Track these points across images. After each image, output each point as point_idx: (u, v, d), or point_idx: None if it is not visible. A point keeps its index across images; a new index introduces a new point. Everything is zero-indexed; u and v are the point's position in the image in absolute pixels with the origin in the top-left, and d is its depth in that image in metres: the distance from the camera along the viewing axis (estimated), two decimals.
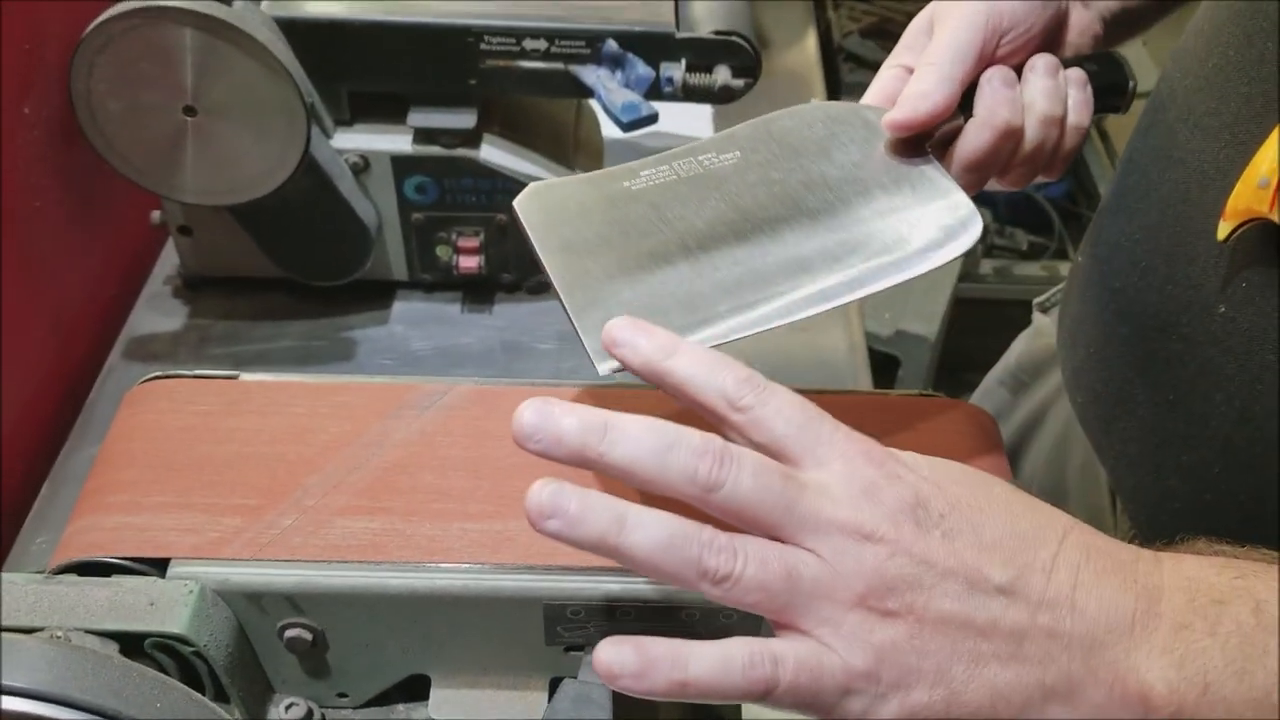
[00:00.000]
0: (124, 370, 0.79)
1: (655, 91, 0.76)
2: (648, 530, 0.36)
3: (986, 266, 1.75)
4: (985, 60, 0.55)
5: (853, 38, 1.93)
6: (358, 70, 0.76)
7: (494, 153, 0.79)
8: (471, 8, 0.75)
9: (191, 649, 0.47)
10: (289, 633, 0.50)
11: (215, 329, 0.83)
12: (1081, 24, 0.60)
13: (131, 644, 0.47)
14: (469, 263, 0.82)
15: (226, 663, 0.49)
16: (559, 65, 0.75)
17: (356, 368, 0.80)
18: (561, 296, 0.47)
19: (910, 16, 0.59)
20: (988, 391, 0.83)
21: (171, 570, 0.49)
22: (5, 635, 0.42)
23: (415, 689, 0.54)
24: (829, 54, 1.85)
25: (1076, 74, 0.56)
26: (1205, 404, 0.51)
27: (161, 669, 0.48)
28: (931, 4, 0.57)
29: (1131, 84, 0.59)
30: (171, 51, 0.66)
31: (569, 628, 0.51)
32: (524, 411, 0.38)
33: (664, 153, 0.53)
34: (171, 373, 0.58)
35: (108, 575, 0.49)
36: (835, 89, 1.73)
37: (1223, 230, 0.45)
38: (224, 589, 0.49)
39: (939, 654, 0.37)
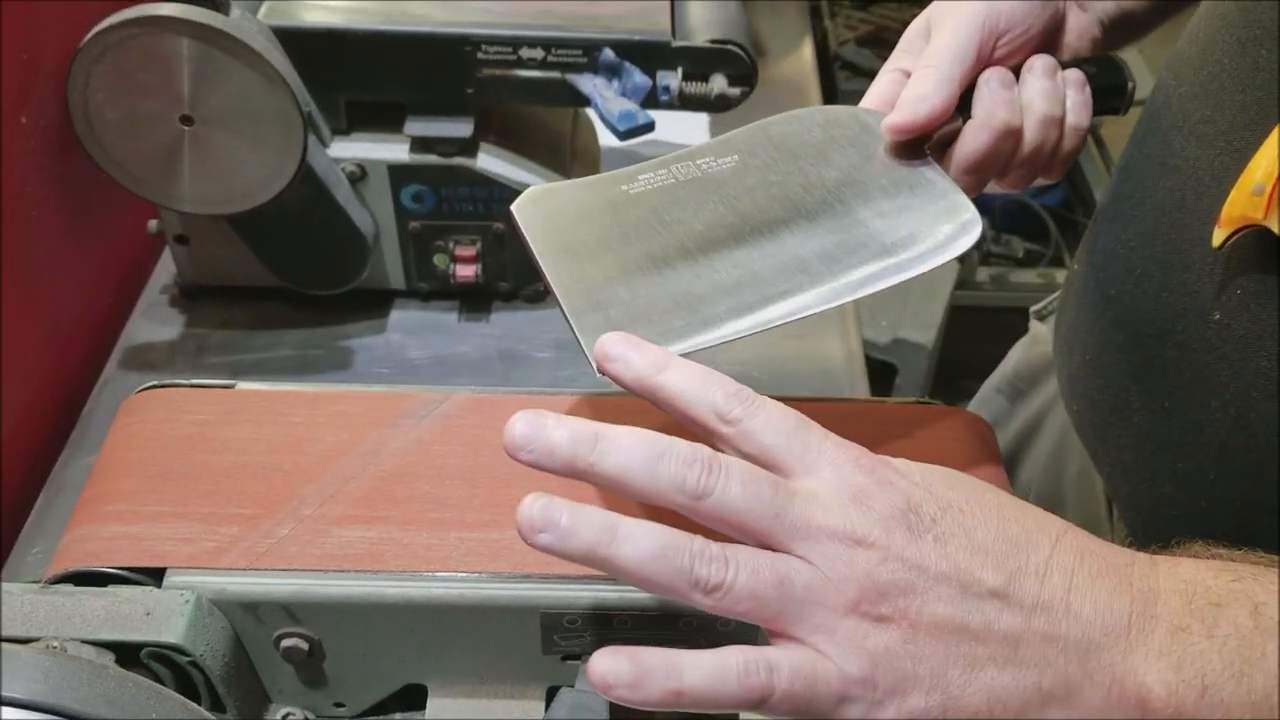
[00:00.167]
0: (121, 379, 0.79)
1: (652, 100, 0.76)
2: (638, 542, 0.36)
3: (983, 274, 1.76)
4: (983, 62, 0.55)
5: (849, 46, 1.93)
6: (355, 79, 0.76)
7: (491, 161, 0.79)
8: (468, 17, 0.75)
9: (188, 659, 0.47)
10: (285, 642, 0.50)
11: (212, 338, 0.83)
12: (1079, 27, 0.60)
13: (128, 654, 0.47)
14: (466, 271, 0.82)
15: (223, 673, 0.48)
16: (556, 74, 0.76)
17: (353, 377, 0.80)
18: (560, 300, 0.47)
19: (906, 24, 0.59)
20: (985, 399, 0.83)
21: (168, 580, 0.49)
22: (1, 645, 0.42)
23: (412, 698, 0.54)
24: (825, 62, 1.86)
25: (1075, 75, 0.56)
26: (1201, 411, 0.51)
27: (158, 679, 0.48)
28: (928, 7, 0.58)
29: (1130, 85, 0.59)
30: (169, 61, 0.66)
31: (566, 636, 0.51)
32: (515, 424, 0.38)
33: (662, 157, 0.53)
34: (168, 382, 0.58)
35: (104, 585, 0.49)
36: (831, 97, 1.74)
37: (1218, 237, 0.45)
38: (220, 599, 0.49)
39: (934, 659, 0.37)
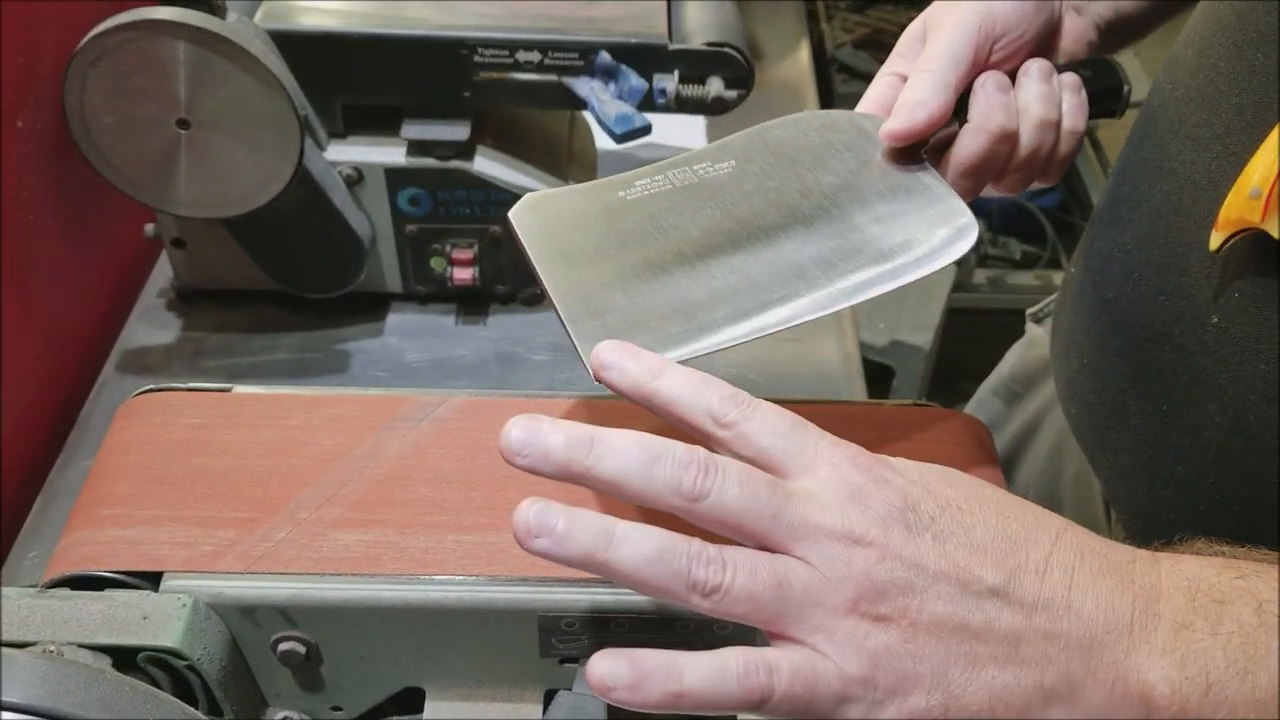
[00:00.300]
0: (118, 383, 0.79)
1: (648, 103, 0.76)
2: (635, 545, 0.36)
3: (980, 276, 1.76)
4: (979, 66, 0.55)
5: (845, 49, 1.94)
6: (351, 83, 0.76)
7: (488, 164, 0.79)
8: (464, 20, 0.75)
9: (185, 663, 0.47)
10: (282, 646, 0.50)
11: (209, 342, 0.83)
12: (1075, 31, 0.60)
13: (125, 658, 0.47)
14: (463, 274, 0.82)
15: (220, 676, 0.48)
16: (552, 77, 0.76)
17: (350, 380, 0.80)
18: (557, 306, 0.47)
19: (902, 27, 0.59)
20: (982, 402, 0.83)
21: (165, 584, 0.49)
22: None
23: (410, 702, 0.54)
24: (822, 65, 1.86)
25: (1071, 78, 0.56)
26: (1199, 414, 0.51)
27: (155, 683, 0.47)
28: (925, 11, 0.58)
29: (1126, 88, 0.59)
30: (165, 64, 0.66)
31: (563, 639, 0.51)
32: (511, 428, 0.38)
33: (659, 163, 0.53)
34: (165, 386, 0.58)
35: (101, 589, 0.49)
36: (828, 100, 1.74)
37: (1215, 241, 0.45)
38: (217, 602, 0.49)
39: (934, 658, 0.37)
